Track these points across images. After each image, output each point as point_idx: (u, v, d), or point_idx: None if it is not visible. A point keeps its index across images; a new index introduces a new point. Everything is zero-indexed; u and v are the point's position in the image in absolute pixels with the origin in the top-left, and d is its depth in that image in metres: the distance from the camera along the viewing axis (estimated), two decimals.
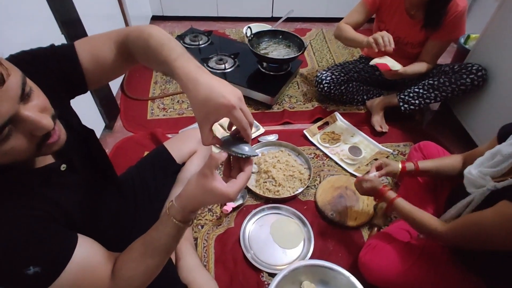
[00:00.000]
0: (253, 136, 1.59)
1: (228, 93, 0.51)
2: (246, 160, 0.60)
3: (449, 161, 1.12)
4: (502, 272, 0.87)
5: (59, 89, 0.64)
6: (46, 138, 0.51)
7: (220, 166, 0.62)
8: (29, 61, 0.59)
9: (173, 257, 1.07)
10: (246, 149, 0.59)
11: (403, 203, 1.00)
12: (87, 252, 0.59)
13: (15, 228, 0.50)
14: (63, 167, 0.62)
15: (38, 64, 0.60)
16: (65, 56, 0.63)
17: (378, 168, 1.16)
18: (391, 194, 1.04)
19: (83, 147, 0.71)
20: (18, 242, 0.50)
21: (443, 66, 1.59)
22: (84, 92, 0.70)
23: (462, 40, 1.87)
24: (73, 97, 0.70)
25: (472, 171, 0.90)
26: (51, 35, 1.17)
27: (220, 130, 1.61)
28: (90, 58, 0.65)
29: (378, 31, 1.61)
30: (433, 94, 1.52)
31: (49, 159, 0.62)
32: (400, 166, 1.13)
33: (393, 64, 1.41)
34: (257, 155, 0.60)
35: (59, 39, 1.20)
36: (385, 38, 1.34)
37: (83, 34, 1.36)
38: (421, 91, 1.55)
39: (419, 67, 1.53)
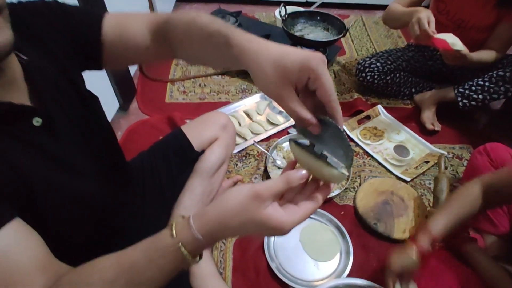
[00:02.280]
0: (283, 127, 1.39)
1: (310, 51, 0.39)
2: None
3: (467, 207, 0.78)
4: None
5: (73, 53, 0.55)
6: None
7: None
8: (57, 14, 0.53)
9: None
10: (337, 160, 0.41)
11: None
12: (12, 248, 0.39)
13: None
14: (37, 121, 0.45)
15: (62, 18, 0.53)
16: (89, 19, 0.56)
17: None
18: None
19: (80, 112, 0.55)
20: None
21: None
22: (99, 67, 0.61)
23: None
24: (85, 69, 0.61)
25: None
26: None
27: (245, 119, 1.43)
28: (116, 31, 0.57)
29: (437, 13, 1.38)
30: (503, 88, 1.27)
31: (20, 100, 0.45)
32: (414, 249, 0.75)
33: (454, 42, 1.12)
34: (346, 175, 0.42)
35: None
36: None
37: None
38: (487, 84, 1.29)
39: (487, 55, 1.28)
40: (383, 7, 1.41)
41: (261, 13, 2.26)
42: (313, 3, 2.06)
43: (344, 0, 2.33)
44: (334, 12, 2.34)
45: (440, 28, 1.33)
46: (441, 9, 1.36)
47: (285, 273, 0.97)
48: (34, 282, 0.41)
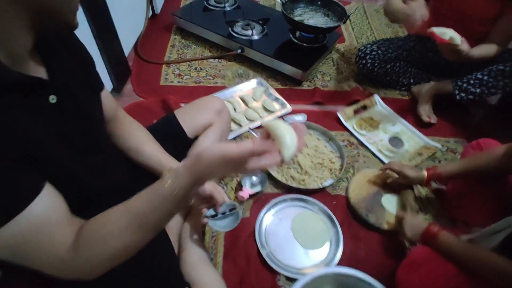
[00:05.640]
0: (279, 114, 1.38)
1: None
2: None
3: (483, 160, 0.92)
4: None
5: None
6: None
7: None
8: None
9: (175, 246, 0.91)
10: None
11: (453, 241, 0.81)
12: (48, 208, 0.47)
13: None
14: (52, 98, 0.49)
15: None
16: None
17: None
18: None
19: (86, 98, 0.60)
20: None
21: None
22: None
23: None
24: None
25: None
26: None
27: (241, 105, 1.41)
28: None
29: (439, 4, 1.35)
30: (502, 82, 1.25)
31: (39, 73, 0.50)
32: (425, 174, 1.03)
33: (453, 36, 1.09)
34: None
35: None
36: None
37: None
38: (485, 78, 1.28)
39: (487, 49, 1.26)
40: None
41: None
42: None
43: None
44: None
45: (441, 20, 1.31)
46: None
47: (275, 260, 0.98)
48: (68, 232, 0.48)
